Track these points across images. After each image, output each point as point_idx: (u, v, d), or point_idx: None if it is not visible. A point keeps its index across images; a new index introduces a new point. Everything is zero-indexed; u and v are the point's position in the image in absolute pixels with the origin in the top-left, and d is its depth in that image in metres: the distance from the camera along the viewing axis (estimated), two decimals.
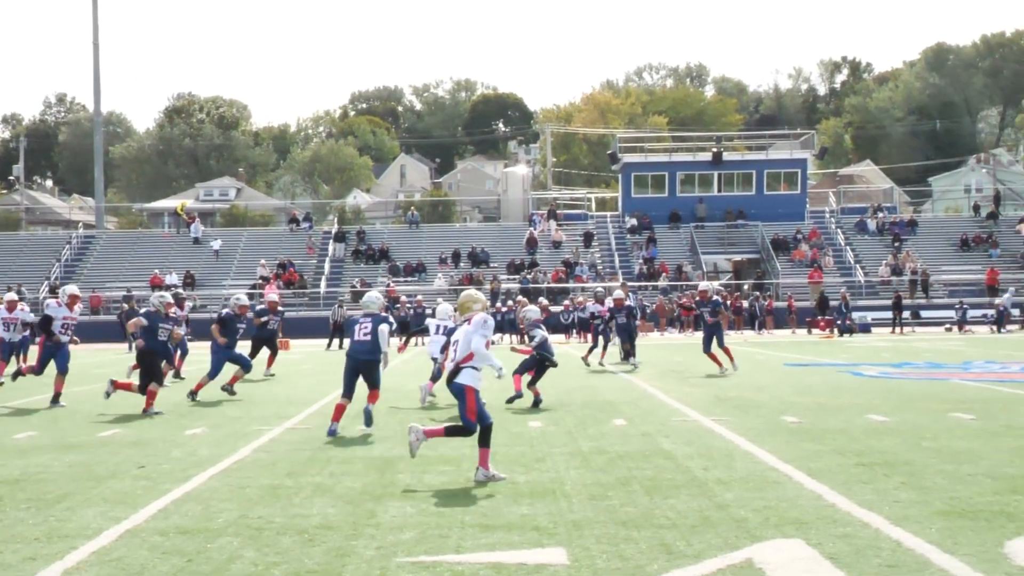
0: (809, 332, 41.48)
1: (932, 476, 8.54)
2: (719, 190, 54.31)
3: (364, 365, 12.37)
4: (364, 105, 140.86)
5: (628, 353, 22.70)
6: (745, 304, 42.99)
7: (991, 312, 41.43)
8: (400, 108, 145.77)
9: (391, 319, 12.89)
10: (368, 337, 12.30)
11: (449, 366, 9.03)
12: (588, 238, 52.81)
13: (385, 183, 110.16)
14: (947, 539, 6.41)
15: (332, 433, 11.73)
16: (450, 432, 8.90)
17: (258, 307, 21.57)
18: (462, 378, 8.85)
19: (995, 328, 40.45)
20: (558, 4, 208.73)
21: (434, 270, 49.89)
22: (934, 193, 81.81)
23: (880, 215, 54.33)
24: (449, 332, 14.25)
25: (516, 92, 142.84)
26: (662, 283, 47.32)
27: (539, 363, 15.18)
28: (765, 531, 6.70)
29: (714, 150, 54.87)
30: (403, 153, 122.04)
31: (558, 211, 56.87)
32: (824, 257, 49.66)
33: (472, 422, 8.79)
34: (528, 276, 47.86)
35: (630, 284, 44.99)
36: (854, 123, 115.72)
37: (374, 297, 12.89)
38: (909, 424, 11.90)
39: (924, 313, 44.46)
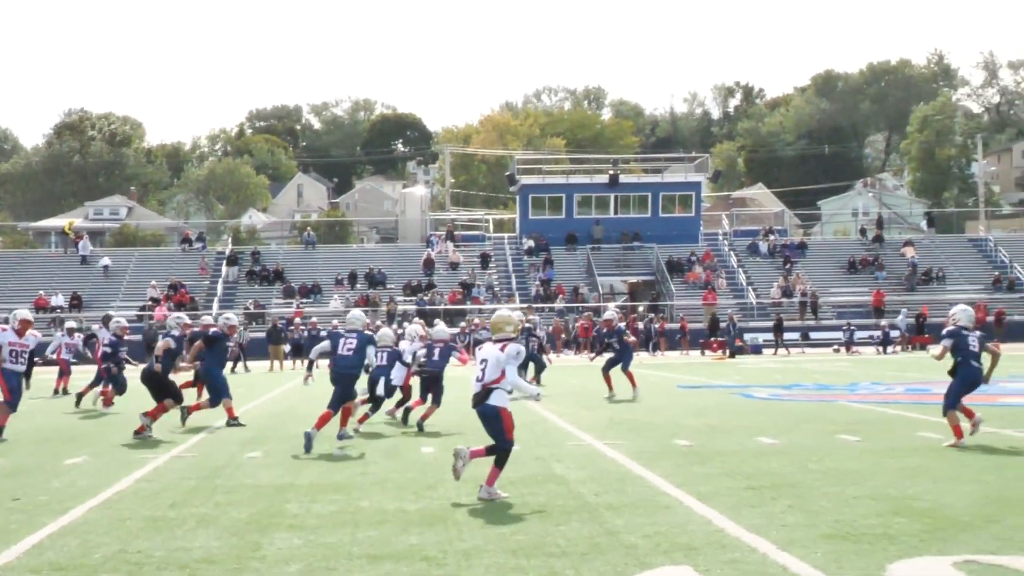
0: (703, 353, 42.10)
1: (818, 499, 8.68)
2: (615, 212, 54.88)
3: (344, 379, 12.99)
4: (263, 123, 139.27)
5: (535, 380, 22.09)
6: (640, 326, 43.46)
7: (877, 333, 42.58)
8: (298, 127, 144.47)
9: (375, 339, 13.49)
10: (351, 352, 12.97)
11: (476, 386, 9.05)
12: (485, 259, 52.85)
13: (282, 203, 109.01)
14: (831, 563, 6.51)
15: (342, 436, 12.90)
16: (492, 452, 9.01)
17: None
18: (495, 400, 8.95)
19: (881, 349, 41.60)
20: (457, 25, 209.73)
21: (330, 291, 49.35)
22: (823, 216, 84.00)
23: (771, 238, 55.50)
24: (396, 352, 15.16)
25: (415, 112, 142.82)
26: (559, 305, 47.58)
27: (430, 381, 15.35)
28: (654, 558, 6.72)
29: (611, 172, 55.46)
30: (300, 172, 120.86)
31: (456, 232, 56.81)
32: (718, 279, 50.50)
33: (511, 440, 8.99)
34: (425, 297, 47.67)
35: (524, 307, 45.05)
36: (747, 147, 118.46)
37: (357, 315, 13.61)
38: (797, 446, 12.10)
39: (813, 334, 45.46)
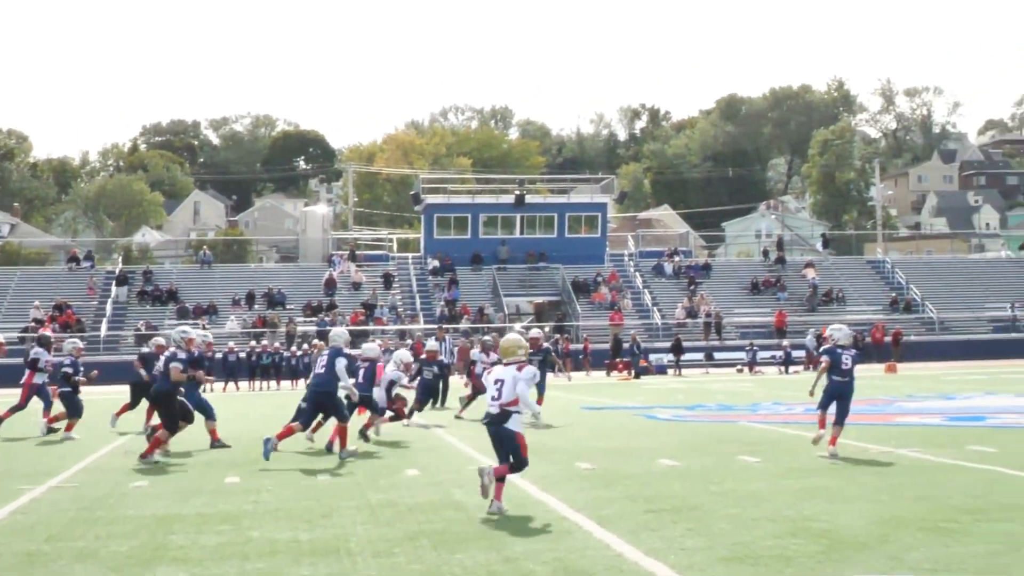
0: (608, 374, 42.38)
1: (717, 521, 8.74)
2: (521, 232, 55.05)
3: (321, 398, 13.54)
4: (158, 139, 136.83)
5: (414, 411, 19.37)
6: (546, 346, 43.55)
7: (779, 353, 43.36)
8: (196, 142, 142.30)
9: (348, 351, 13.89)
10: (323, 370, 13.45)
11: (493, 406, 9.55)
12: (388, 279, 52.55)
13: (177, 220, 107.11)
14: None
15: (267, 444, 12.89)
16: (513, 470, 9.57)
17: (144, 351, 19.72)
18: (512, 424, 9.49)
19: (783, 369, 42.37)
20: (362, 41, 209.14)
21: (226, 312, 48.52)
22: (727, 238, 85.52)
23: (676, 258, 56.21)
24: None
25: (318, 129, 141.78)
26: (464, 325, 47.51)
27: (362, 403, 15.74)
28: None
29: (516, 192, 55.65)
30: (197, 189, 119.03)
31: (358, 252, 56.37)
32: (623, 299, 50.96)
33: (527, 459, 9.59)
34: (326, 318, 47.15)
35: (431, 327, 44.83)
36: (653, 168, 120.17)
37: (339, 332, 14.27)
38: (698, 468, 12.20)
39: (717, 354, 46.11)
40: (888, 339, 46.54)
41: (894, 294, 53.15)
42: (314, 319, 47.38)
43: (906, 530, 8.22)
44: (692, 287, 52.37)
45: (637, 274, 54.46)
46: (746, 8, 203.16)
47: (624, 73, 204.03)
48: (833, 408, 13.49)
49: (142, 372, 17.88)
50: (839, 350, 13.68)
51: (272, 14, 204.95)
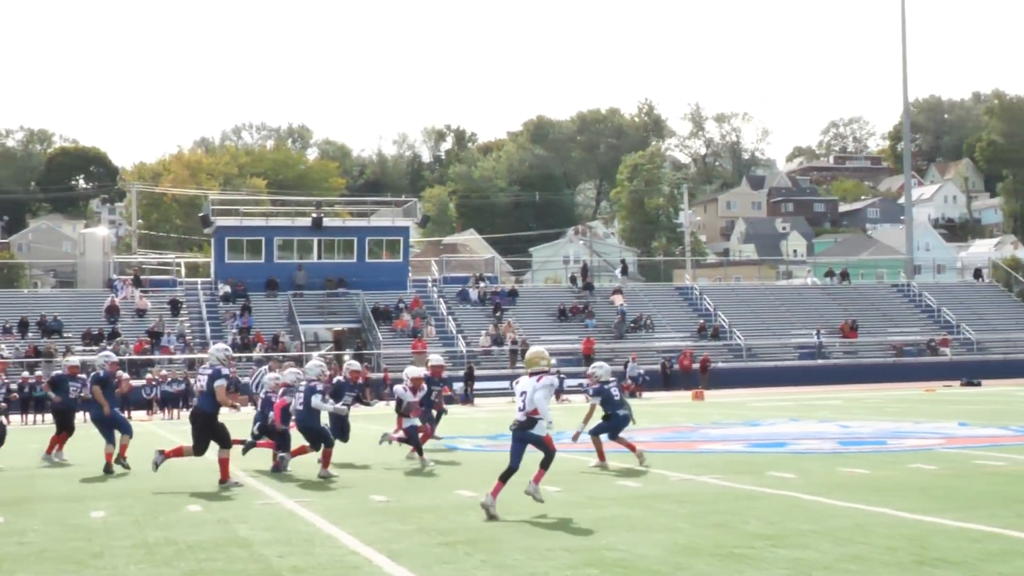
0: None
1: (512, 552, 8.85)
2: (319, 256, 54.54)
3: (309, 433, 15.01)
4: None
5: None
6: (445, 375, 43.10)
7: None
8: None
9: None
10: (303, 407, 14.84)
11: (520, 415, 10.84)
12: (176, 306, 51.15)
13: None
14: None
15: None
16: (544, 465, 11.02)
17: (55, 373, 19.90)
18: (538, 430, 10.86)
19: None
20: (146, 53, 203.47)
21: None
22: (534, 263, 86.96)
23: (482, 284, 56.75)
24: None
25: (99, 146, 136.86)
26: (257, 354, 46.65)
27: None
28: None
29: (314, 215, 55.14)
30: None
31: (143, 276, 54.72)
32: (426, 326, 51.07)
33: (555, 449, 11.05)
34: (108, 347, 45.48)
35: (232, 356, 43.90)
36: (458, 192, 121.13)
37: (311, 365, 15.49)
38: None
39: None
40: (696, 366, 48.14)
41: (702, 321, 55.00)
42: (94, 348, 45.63)
43: (701, 557, 8.50)
44: (498, 314, 52.95)
45: (441, 300, 54.70)
46: (554, 29, 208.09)
47: (429, 93, 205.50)
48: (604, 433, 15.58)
49: (51, 394, 18.80)
50: (606, 386, 15.51)
51: (47, 20, 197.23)
